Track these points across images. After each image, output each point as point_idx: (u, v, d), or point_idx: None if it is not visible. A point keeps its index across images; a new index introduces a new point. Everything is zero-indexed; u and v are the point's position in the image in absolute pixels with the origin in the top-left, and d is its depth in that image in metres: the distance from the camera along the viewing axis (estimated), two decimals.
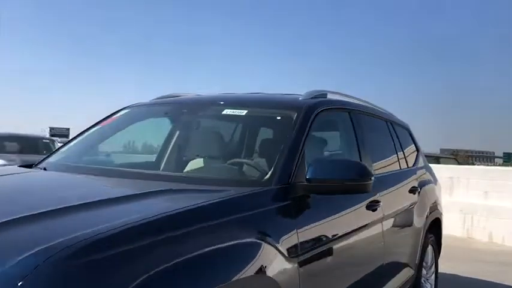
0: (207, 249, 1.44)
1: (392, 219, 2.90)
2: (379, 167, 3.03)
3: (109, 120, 2.89)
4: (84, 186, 2.13)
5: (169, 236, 1.38)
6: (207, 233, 1.53)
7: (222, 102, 2.83)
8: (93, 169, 2.37)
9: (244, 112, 2.65)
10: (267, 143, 2.79)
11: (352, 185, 2.05)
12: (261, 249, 1.64)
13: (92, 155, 2.85)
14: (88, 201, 1.63)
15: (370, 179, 2.07)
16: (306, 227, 1.94)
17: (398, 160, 3.47)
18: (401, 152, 3.59)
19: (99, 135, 2.89)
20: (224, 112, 2.70)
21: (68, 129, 57.91)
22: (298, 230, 1.87)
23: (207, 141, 2.81)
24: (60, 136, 33.80)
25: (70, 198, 1.71)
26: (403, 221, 3.19)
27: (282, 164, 2.08)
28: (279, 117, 2.69)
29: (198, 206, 1.63)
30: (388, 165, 3.28)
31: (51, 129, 57.87)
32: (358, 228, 2.43)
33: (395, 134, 3.61)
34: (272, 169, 2.08)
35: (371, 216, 2.57)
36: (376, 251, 2.73)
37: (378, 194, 2.68)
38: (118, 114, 2.93)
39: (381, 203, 2.66)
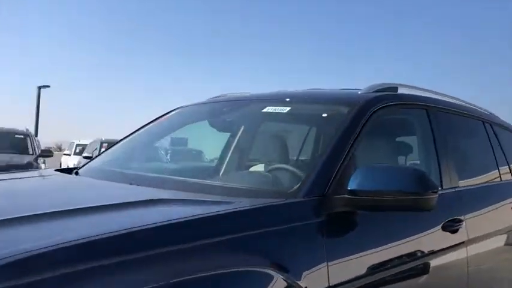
0: (183, 278, 1.12)
1: (482, 243, 2.28)
2: (469, 178, 2.45)
3: (159, 121, 2.71)
4: (84, 193, 1.88)
5: (113, 261, 1.07)
6: (183, 255, 1.20)
7: (260, 100, 2.47)
8: (126, 175, 2.08)
9: (286, 110, 2.25)
10: (306, 145, 2.40)
11: (407, 199, 1.57)
12: (272, 284, 1.27)
13: (134, 160, 2.64)
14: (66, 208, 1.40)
15: (434, 192, 1.58)
16: (343, 259, 1.51)
17: (499, 170, 2.79)
18: (504, 160, 2.90)
19: (147, 137, 2.69)
20: (265, 110, 2.32)
21: None
22: (330, 263, 1.44)
23: (230, 144, 2.53)
24: None
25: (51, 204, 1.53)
26: (501, 245, 2.53)
27: (317, 170, 1.68)
28: (325, 114, 2.27)
29: (177, 221, 1.31)
30: (482, 176, 2.66)
31: None
32: (427, 254, 1.91)
33: (496, 137, 2.93)
34: (302, 176, 1.70)
35: (449, 239, 2.02)
36: (455, 283, 2.14)
37: (460, 211, 2.13)
38: (168, 115, 2.73)
39: (464, 223, 2.10)
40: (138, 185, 1.86)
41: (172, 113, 2.73)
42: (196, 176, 2.18)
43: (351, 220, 1.63)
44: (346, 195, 1.59)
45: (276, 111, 2.27)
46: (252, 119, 2.63)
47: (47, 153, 9.45)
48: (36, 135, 17.00)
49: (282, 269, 1.32)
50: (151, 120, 2.73)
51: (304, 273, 1.37)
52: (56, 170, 2.51)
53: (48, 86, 21.95)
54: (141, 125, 2.70)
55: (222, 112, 2.68)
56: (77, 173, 2.28)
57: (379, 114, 1.97)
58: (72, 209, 1.40)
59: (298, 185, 1.66)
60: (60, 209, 1.39)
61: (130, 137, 2.64)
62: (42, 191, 1.95)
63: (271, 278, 1.28)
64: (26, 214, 1.31)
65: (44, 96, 21.81)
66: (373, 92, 2.18)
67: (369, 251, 1.61)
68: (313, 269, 1.41)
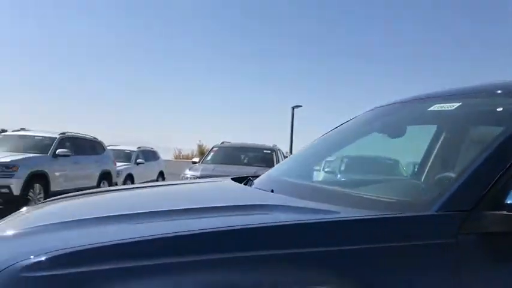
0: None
1: None
2: None
3: (348, 124, 2.42)
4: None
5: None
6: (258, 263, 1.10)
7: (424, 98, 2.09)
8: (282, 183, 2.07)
9: (454, 106, 1.84)
10: (464, 148, 1.95)
11: None
12: None
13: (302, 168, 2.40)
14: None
15: None
16: None
17: None
18: None
19: (331, 144, 2.44)
20: (431, 109, 1.94)
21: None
22: None
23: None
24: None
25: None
26: None
27: (466, 177, 1.34)
28: (500, 109, 1.75)
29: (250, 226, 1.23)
30: None
31: None
32: None
33: None
34: (444, 184, 1.42)
35: None
36: None
37: None
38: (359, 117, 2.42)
39: None
40: (272, 191, 1.86)
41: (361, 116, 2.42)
42: (343, 185, 2.11)
43: (508, 244, 1.27)
44: (505, 212, 1.23)
45: (442, 108, 1.90)
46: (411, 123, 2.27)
47: None
48: (291, 151, 19.89)
49: None
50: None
51: None
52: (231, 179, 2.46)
53: (301, 106, 23.55)
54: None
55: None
56: (246, 183, 2.24)
57: None
58: (194, 208, 1.55)
59: (432, 195, 1.38)
60: (180, 208, 1.53)
61: (315, 141, 2.49)
62: (196, 192, 2.17)
63: None
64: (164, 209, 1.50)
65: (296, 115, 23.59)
66: None
67: None
68: None
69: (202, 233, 1.19)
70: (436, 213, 1.27)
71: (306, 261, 1.13)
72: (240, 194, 2.03)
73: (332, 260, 1.14)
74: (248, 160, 10.28)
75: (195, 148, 32.84)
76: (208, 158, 10.67)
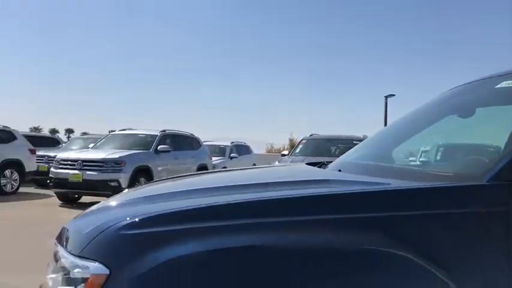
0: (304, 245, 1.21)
1: None
2: None
3: (420, 108, 2.43)
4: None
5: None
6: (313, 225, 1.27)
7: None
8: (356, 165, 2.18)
9: None
10: None
11: None
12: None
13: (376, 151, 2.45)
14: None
15: None
16: None
17: None
18: None
19: (403, 129, 2.45)
20: (500, 86, 1.92)
21: None
22: None
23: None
24: None
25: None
26: None
27: None
28: None
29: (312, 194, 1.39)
30: None
31: None
32: None
33: None
34: (497, 156, 1.46)
35: None
36: None
37: None
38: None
39: None
40: (340, 171, 2.02)
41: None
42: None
43: None
44: None
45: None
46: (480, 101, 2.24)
47: None
48: None
49: (430, 258, 1.21)
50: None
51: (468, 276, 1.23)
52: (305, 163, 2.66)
53: (394, 95, 23.24)
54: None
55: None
56: (320, 167, 2.41)
57: None
58: (265, 182, 1.76)
59: (484, 167, 1.44)
60: (254, 182, 1.75)
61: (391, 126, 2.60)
62: (271, 172, 2.42)
63: (416, 269, 1.20)
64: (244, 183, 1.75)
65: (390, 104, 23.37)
66: None
67: None
68: (483, 271, 1.25)
69: (268, 199, 1.40)
70: (487, 183, 1.34)
71: (369, 225, 1.27)
72: (308, 173, 2.21)
73: (392, 225, 1.28)
74: (338, 151, 10.26)
75: (287, 142, 33.22)
76: (297, 150, 10.86)
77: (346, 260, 1.23)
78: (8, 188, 11.59)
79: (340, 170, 2.06)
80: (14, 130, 12.27)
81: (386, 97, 22.94)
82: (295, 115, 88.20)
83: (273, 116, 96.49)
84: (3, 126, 12.04)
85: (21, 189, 12.05)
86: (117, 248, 1.28)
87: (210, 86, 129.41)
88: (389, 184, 1.50)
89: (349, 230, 1.26)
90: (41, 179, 13.09)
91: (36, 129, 77.66)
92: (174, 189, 1.82)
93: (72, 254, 1.35)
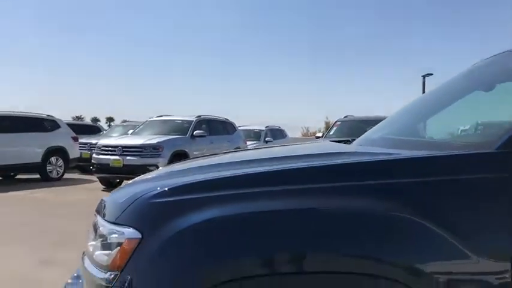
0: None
1: None
2: None
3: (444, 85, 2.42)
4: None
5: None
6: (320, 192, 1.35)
7: None
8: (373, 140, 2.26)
9: None
10: None
11: None
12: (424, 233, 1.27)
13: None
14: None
15: None
16: None
17: None
18: None
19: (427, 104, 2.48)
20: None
21: None
22: None
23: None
24: None
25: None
26: None
27: None
28: None
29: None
30: None
31: None
32: None
33: None
34: (508, 126, 1.49)
35: None
36: None
37: None
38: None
39: None
40: (361, 145, 2.14)
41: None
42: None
43: None
44: None
45: None
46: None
47: None
48: None
49: (440, 222, 1.28)
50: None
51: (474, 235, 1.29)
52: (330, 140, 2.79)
53: (431, 74, 22.83)
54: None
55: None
56: (345, 142, 2.52)
57: None
58: (289, 156, 1.94)
59: (495, 138, 1.48)
60: (277, 156, 1.92)
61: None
62: (296, 148, 2.48)
63: (428, 232, 1.27)
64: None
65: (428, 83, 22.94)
66: None
67: None
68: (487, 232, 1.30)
69: (283, 170, 1.52)
70: (496, 150, 1.40)
71: (388, 191, 1.35)
72: (330, 147, 2.30)
73: (408, 190, 1.35)
74: None
75: (323, 125, 33.02)
76: (331, 132, 10.84)
77: (360, 223, 1.30)
78: (54, 174, 12.20)
79: (361, 145, 2.11)
80: (57, 119, 12.79)
81: (423, 76, 22.40)
82: (332, 99, 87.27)
83: (310, 101, 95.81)
84: (47, 116, 12.56)
85: (66, 175, 12.64)
86: (148, 215, 1.42)
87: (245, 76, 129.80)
88: (399, 154, 1.57)
89: (363, 196, 1.34)
90: (84, 165, 13.72)
91: (79, 118, 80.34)
92: (202, 164, 1.95)
93: (109, 221, 1.50)
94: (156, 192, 1.46)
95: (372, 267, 1.27)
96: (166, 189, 1.46)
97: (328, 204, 1.33)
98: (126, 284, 1.33)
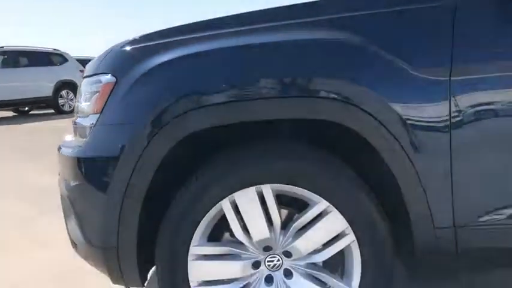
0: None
1: None
2: None
3: None
4: None
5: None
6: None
7: None
8: None
9: None
10: None
11: None
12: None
13: None
14: None
15: None
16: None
17: None
18: None
19: None
20: None
21: None
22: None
23: None
24: None
25: None
26: None
27: None
28: None
29: None
30: None
31: None
32: None
33: None
34: None
35: None
36: None
37: None
38: None
39: None
40: None
41: None
42: None
43: None
44: None
45: None
46: None
47: None
48: None
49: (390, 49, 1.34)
50: None
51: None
52: None
53: None
54: None
55: None
56: None
57: None
58: None
59: None
60: None
61: None
62: None
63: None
64: None
65: None
66: None
67: None
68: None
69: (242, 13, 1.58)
70: None
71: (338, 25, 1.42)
72: None
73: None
74: None
75: None
76: None
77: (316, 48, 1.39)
78: (66, 108, 12.45)
79: None
80: (64, 52, 12.82)
81: None
82: None
83: None
84: (54, 49, 12.60)
85: None
86: (120, 60, 1.56)
87: None
88: None
89: (324, 29, 1.42)
90: None
91: None
92: None
93: (88, 75, 1.65)
94: (128, 41, 1.60)
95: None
96: (137, 37, 1.59)
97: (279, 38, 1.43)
98: (105, 121, 1.48)
